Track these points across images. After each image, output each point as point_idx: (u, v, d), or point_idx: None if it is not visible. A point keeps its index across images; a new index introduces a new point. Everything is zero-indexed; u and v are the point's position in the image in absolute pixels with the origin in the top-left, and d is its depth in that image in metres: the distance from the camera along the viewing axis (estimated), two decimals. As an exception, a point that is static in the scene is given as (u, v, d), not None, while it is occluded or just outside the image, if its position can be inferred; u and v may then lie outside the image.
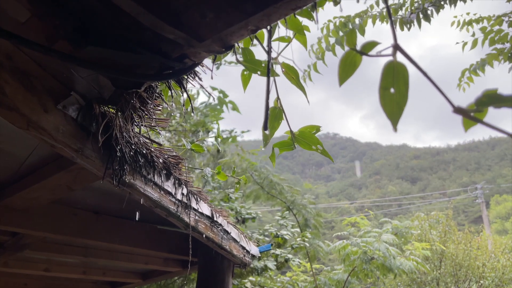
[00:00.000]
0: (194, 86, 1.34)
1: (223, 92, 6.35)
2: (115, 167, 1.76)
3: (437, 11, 4.55)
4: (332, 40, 4.70)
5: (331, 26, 4.67)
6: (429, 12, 4.52)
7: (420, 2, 4.60)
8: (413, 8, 4.64)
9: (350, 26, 4.69)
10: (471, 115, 0.68)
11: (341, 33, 4.69)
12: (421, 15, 4.54)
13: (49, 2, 0.99)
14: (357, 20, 4.69)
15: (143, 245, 3.29)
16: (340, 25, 4.68)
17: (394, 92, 0.79)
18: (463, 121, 0.72)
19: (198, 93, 7.09)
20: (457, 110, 0.68)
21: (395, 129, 0.80)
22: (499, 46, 4.84)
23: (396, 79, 0.79)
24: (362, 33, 4.62)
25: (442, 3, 4.50)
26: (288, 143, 1.24)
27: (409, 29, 4.69)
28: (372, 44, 0.82)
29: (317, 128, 1.27)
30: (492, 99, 0.65)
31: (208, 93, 1.47)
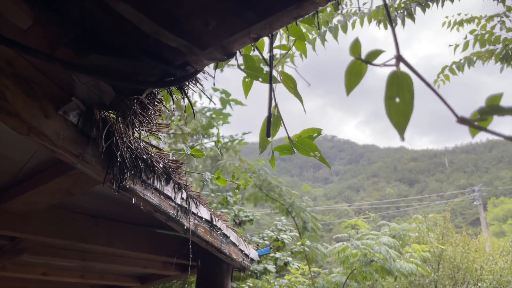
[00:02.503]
0: (195, 91, 1.34)
1: (226, 91, 6.31)
2: (116, 172, 1.75)
3: (423, 10, 4.53)
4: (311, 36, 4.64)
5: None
6: (412, 10, 4.51)
7: (407, 2, 4.59)
8: (399, 7, 4.63)
9: (335, 22, 4.61)
10: (475, 124, 0.69)
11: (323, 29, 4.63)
12: (405, 13, 4.53)
13: (51, 10, 0.98)
14: (339, 17, 4.62)
15: (141, 249, 3.29)
16: (322, 22, 4.64)
17: (399, 101, 0.80)
18: (470, 129, 0.73)
19: (200, 96, 7.08)
20: (461, 120, 0.69)
21: (402, 138, 0.81)
22: (490, 47, 4.87)
23: (401, 89, 0.80)
24: (345, 30, 4.55)
25: (429, 2, 4.49)
26: (288, 147, 1.24)
27: (393, 28, 4.66)
28: (376, 53, 0.83)
29: (318, 131, 1.27)
30: (494, 109, 0.66)
31: (209, 98, 1.47)
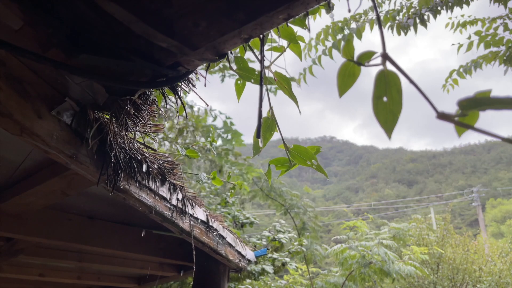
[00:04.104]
0: (188, 92, 1.34)
1: (230, 119, 6.39)
2: (110, 173, 1.75)
3: (434, 16, 4.58)
4: (329, 44, 4.72)
5: (329, 31, 4.68)
6: (425, 17, 4.56)
7: (417, 7, 4.63)
8: (410, 13, 4.67)
9: (347, 31, 4.71)
10: (455, 119, 0.67)
11: (338, 36, 4.71)
12: (418, 20, 4.57)
13: (41, 11, 0.99)
14: (354, 24, 4.71)
15: (138, 249, 3.28)
16: (337, 28, 4.70)
17: (387, 100, 0.79)
18: (455, 128, 0.72)
19: (206, 114, 7.14)
20: (441, 115, 0.67)
21: (389, 137, 0.80)
22: (494, 49, 4.88)
23: (389, 88, 0.79)
24: (359, 37, 4.63)
25: (439, 8, 4.53)
26: (285, 160, 1.23)
27: (405, 33, 4.72)
28: (368, 54, 0.82)
29: (317, 149, 1.26)
30: (474, 102, 0.64)
31: (205, 102, 1.47)
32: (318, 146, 1.22)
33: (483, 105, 0.60)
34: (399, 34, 4.74)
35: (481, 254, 12.05)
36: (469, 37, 4.96)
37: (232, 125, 6.86)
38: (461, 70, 5.11)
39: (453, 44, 5.15)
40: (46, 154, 1.56)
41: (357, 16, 4.75)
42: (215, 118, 7.15)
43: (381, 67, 0.78)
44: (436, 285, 11.30)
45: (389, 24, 4.77)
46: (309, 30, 1.14)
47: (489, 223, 37.22)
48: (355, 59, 0.84)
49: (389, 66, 0.78)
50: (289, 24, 1.17)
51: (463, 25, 5.08)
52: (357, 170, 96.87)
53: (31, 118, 1.40)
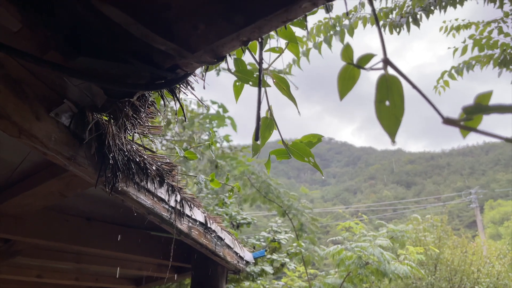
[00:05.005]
0: (187, 94, 1.34)
1: (223, 106, 6.35)
2: (108, 175, 1.75)
3: (427, 16, 4.58)
4: (319, 39, 4.70)
5: (321, 27, 4.67)
6: (418, 16, 4.56)
7: (410, 7, 4.63)
8: (403, 12, 4.67)
9: (338, 28, 4.68)
10: (461, 124, 0.68)
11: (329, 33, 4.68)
12: (410, 19, 4.58)
13: (40, 13, 0.98)
14: (346, 22, 4.69)
15: (136, 251, 3.28)
16: (329, 26, 4.68)
17: (389, 104, 0.79)
18: (460, 130, 0.72)
19: (199, 106, 7.10)
20: (447, 121, 0.68)
21: (393, 141, 0.80)
22: (488, 52, 4.89)
23: (391, 92, 0.79)
24: (351, 34, 4.61)
25: (432, 8, 4.54)
26: (284, 151, 1.24)
27: (398, 33, 4.71)
28: (368, 57, 0.83)
29: (319, 138, 1.27)
30: (479, 108, 0.65)
31: (202, 103, 1.47)
32: (319, 135, 1.22)
33: (487, 111, 0.61)
34: (391, 33, 4.74)
35: (479, 255, 12.07)
36: (464, 41, 4.97)
37: (225, 112, 6.79)
38: (452, 71, 5.11)
39: (448, 48, 5.17)
40: (44, 156, 1.55)
41: (350, 12, 4.73)
42: (208, 109, 7.09)
43: (382, 72, 0.78)
44: (434, 286, 11.31)
45: (382, 22, 4.77)
46: (308, 31, 1.14)
47: (487, 224, 37.27)
48: (354, 62, 0.84)
49: (390, 70, 0.78)
50: (288, 25, 1.17)
51: (457, 28, 5.09)
52: (355, 172, 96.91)
53: (30, 120, 1.40)
